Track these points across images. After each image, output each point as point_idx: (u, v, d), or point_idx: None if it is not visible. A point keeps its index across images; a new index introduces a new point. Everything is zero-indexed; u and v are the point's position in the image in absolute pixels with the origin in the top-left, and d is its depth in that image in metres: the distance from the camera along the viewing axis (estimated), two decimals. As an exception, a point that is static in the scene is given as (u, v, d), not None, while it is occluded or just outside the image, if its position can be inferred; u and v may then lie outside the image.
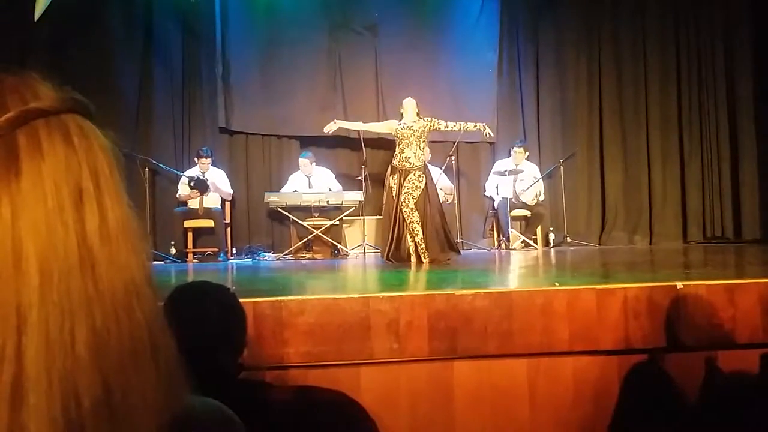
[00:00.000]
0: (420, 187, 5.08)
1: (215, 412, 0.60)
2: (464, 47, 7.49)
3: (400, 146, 5.18)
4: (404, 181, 5.08)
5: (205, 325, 1.44)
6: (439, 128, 5.33)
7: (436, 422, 2.32)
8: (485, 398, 2.34)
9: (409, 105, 5.29)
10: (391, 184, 5.16)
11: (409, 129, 5.19)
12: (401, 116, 5.33)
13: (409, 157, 5.12)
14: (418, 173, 5.11)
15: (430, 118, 5.28)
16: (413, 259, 5.05)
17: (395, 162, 5.20)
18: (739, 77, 7.58)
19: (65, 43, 6.37)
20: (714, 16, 7.71)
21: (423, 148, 5.21)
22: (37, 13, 5.72)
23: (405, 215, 5.04)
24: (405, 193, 5.06)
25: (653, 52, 7.69)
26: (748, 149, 7.48)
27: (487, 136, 5.63)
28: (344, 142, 7.03)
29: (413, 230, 5.02)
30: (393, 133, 5.33)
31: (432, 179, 5.31)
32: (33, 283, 0.42)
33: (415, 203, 5.03)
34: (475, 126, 5.42)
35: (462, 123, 5.39)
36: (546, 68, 7.67)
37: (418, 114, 5.26)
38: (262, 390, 1.51)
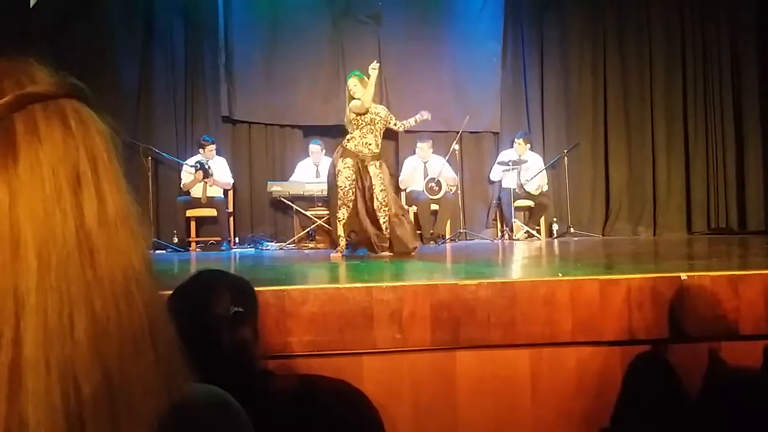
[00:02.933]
0: (384, 176, 4.85)
1: (216, 398, 0.60)
2: (468, 37, 7.45)
3: (362, 131, 4.75)
4: (367, 170, 4.75)
5: (239, 318, 1.43)
6: (389, 124, 5.01)
7: (439, 412, 2.33)
8: (488, 388, 2.35)
9: (356, 83, 4.83)
10: (341, 168, 4.72)
11: (377, 115, 4.85)
12: (351, 94, 4.85)
13: (370, 144, 4.78)
14: (380, 162, 4.84)
15: (387, 111, 5.03)
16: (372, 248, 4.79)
17: (351, 146, 4.75)
18: (744, 68, 7.53)
19: (65, 32, 6.35)
20: (719, 6, 7.64)
21: (381, 138, 4.91)
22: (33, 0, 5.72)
23: (383, 205, 4.75)
24: (380, 185, 4.77)
25: (658, 44, 7.64)
26: (753, 140, 7.44)
27: (426, 117, 5.16)
28: (347, 131, 7.02)
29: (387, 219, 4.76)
30: (358, 112, 4.77)
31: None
32: (31, 269, 0.42)
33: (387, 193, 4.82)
34: (415, 120, 5.14)
35: (405, 122, 5.10)
36: (550, 59, 7.63)
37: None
38: (266, 379, 1.52)
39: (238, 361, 1.41)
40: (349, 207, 4.78)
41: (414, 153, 7.10)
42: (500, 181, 7.25)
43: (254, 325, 1.53)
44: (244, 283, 1.62)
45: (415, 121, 5.20)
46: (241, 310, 1.42)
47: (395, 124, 5.09)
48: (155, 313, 0.48)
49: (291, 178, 6.82)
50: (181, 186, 6.66)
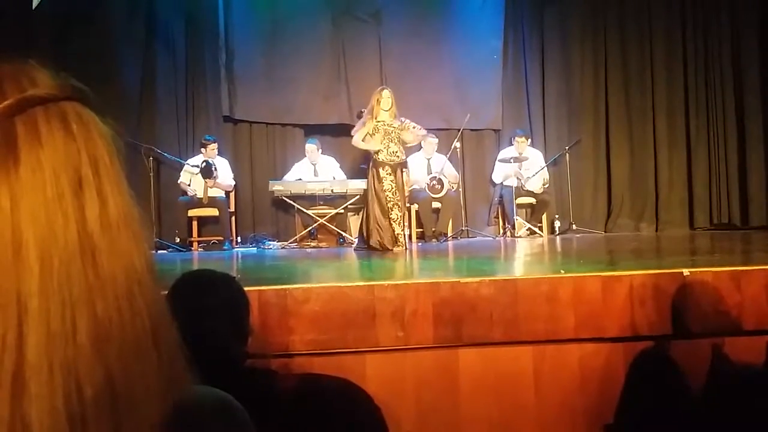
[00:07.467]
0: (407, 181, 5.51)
1: (217, 400, 0.60)
2: (469, 34, 7.44)
3: (384, 142, 5.27)
4: (399, 174, 5.29)
5: (210, 313, 1.44)
6: (408, 129, 5.42)
7: (442, 409, 2.33)
8: (490, 386, 2.35)
9: (390, 96, 5.38)
10: (383, 175, 5.24)
11: (391, 126, 5.29)
12: (373, 109, 5.33)
13: (396, 152, 5.30)
14: (407, 169, 5.49)
15: (403, 120, 5.38)
16: (402, 242, 5.20)
17: (383, 157, 5.27)
18: (745, 62, 7.50)
19: (67, 32, 6.36)
20: (720, 1, 7.62)
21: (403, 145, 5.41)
22: (36, 1, 5.73)
23: (400, 205, 5.26)
24: (406, 190, 5.40)
25: (659, 38, 7.62)
26: (755, 135, 7.42)
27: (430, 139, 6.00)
28: (348, 130, 7.02)
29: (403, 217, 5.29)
30: (370, 131, 5.33)
31: None
32: (33, 272, 0.42)
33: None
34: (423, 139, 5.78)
35: (421, 130, 5.59)
36: (551, 55, 7.62)
37: (392, 106, 5.34)
38: (268, 378, 1.51)
39: (220, 357, 1.40)
40: (399, 206, 5.24)
41: (416, 151, 7.09)
42: (502, 179, 7.23)
43: (238, 321, 1.53)
44: (230, 279, 1.62)
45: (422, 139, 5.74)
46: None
47: (412, 129, 5.46)
48: (158, 315, 0.48)
49: (284, 178, 6.81)
50: (179, 183, 6.67)
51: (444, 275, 3.08)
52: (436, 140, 6.93)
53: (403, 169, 5.41)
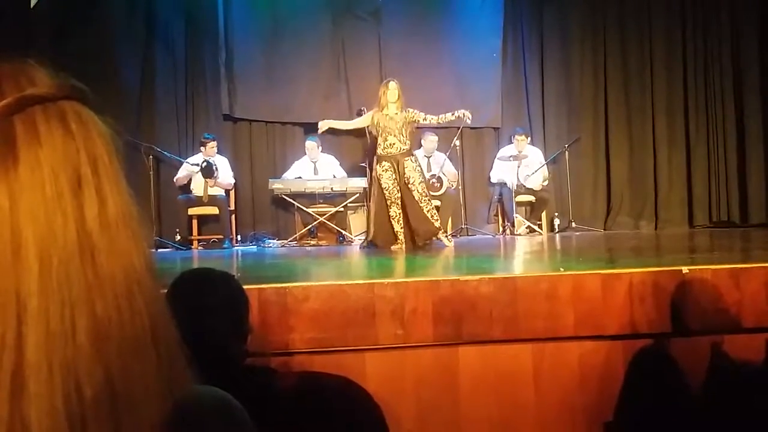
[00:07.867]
0: (419, 170, 5.24)
1: (217, 399, 0.60)
2: (468, 32, 7.43)
3: (383, 135, 5.18)
4: (401, 167, 5.12)
5: (210, 312, 1.44)
6: (418, 120, 5.32)
7: (442, 407, 2.33)
8: (490, 384, 2.35)
9: (396, 88, 5.25)
10: (380, 172, 5.15)
11: (391, 120, 5.18)
12: (380, 100, 5.24)
13: (394, 143, 5.15)
14: (413, 157, 5.25)
15: (410, 110, 5.27)
16: (402, 240, 5.10)
17: (380, 151, 5.17)
18: (745, 62, 7.49)
19: (67, 31, 6.35)
20: (720, 1, 7.61)
21: (406, 137, 5.23)
22: (33, 0, 5.73)
23: (416, 197, 5.10)
24: (410, 177, 5.12)
25: (659, 38, 7.61)
26: (754, 133, 7.42)
27: (467, 120, 5.51)
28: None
29: (424, 210, 5.14)
30: (373, 123, 5.27)
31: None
32: (32, 271, 0.42)
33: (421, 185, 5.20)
34: (454, 114, 5.35)
35: (441, 115, 5.34)
36: (551, 53, 7.61)
37: (399, 98, 5.22)
38: (268, 376, 1.51)
39: (220, 356, 1.40)
40: (398, 204, 5.13)
41: (416, 149, 7.09)
42: (501, 177, 7.23)
43: (238, 319, 1.53)
44: (229, 278, 1.62)
45: (455, 116, 5.36)
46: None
47: (424, 119, 5.33)
48: (157, 313, 0.48)
49: (284, 176, 6.81)
50: (174, 180, 6.65)
51: (443, 273, 3.08)
52: (436, 138, 6.92)
53: (407, 159, 5.16)
